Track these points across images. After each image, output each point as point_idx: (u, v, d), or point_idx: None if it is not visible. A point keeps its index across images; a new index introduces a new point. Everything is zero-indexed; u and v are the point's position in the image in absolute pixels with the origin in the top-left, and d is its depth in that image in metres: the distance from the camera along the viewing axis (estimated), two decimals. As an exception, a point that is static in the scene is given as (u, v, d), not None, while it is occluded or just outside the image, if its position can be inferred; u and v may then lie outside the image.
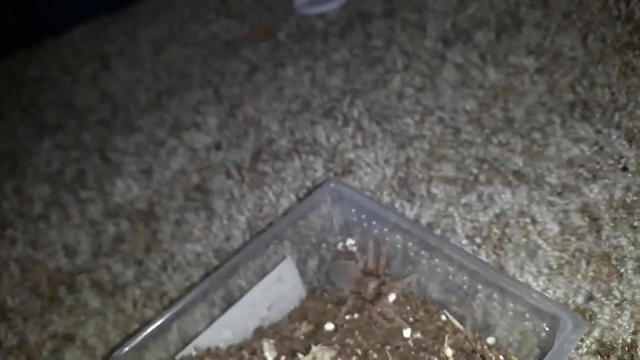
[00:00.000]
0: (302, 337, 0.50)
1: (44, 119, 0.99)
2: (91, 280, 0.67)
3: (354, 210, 0.51)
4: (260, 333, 0.51)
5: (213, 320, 0.51)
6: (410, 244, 0.48)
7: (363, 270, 0.50)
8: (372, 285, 0.48)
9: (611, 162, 0.61)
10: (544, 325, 0.40)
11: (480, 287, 0.44)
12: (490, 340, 0.45)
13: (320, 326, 0.50)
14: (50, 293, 0.68)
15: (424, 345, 0.47)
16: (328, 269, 0.55)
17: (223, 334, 0.49)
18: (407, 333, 0.47)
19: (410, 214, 0.62)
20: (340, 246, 0.55)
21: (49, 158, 0.89)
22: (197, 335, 0.50)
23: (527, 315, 0.41)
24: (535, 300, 0.39)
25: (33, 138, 0.95)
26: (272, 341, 0.49)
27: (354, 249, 0.54)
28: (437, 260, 0.47)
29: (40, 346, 0.62)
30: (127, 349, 0.44)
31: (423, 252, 0.48)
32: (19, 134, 0.98)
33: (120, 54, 1.12)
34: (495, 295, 0.43)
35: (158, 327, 0.46)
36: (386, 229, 0.49)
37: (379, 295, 0.48)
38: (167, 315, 0.47)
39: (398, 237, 0.49)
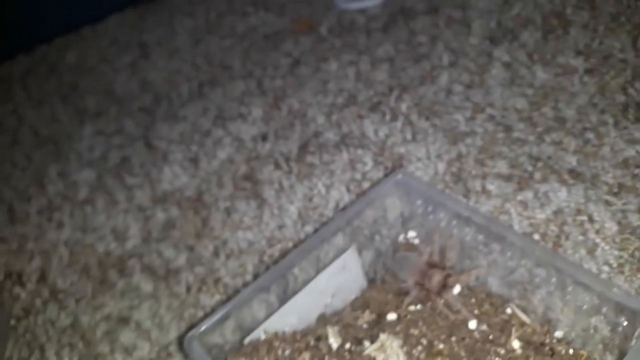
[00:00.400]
0: (365, 326, 0.50)
1: (85, 105, 1.00)
2: (142, 264, 0.68)
3: (419, 202, 0.52)
4: (323, 320, 0.51)
5: (270, 309, 0.51)
6: (480, 236, 0.48)
7: (427, 261, 0.50)
8: (437, 277, 0.49)
9: (667, 163, 0.61)
10: (622, 319, 0.40)
11: (553, 279, 0.44)
12: (558, 334, 0.46)
13: (382, 315, 0.51)
14: (101, 276, 0.69)
15: (490, 337, 0.47)
16: (388, 260, 0.55)
17: (289, 319, 0.49)
18: (472, 325, 0.48)
19: (465, 208, 0.62)
20: (401, 237, 0.55)
21: (91, 143, 0.90)
22: (256, 322, 0.50)
23: (604, 310, 0.41)
24: (615, 294, 0.39)
25: (74, 124, 0.96)
26: (336, 328, 0.50)
27: (415, 240, 0.55)
28: (509, 254, 0.47)
29: (94, 327, 0.63)
30: (202, 328, 0.44)
31: (494, 245, 0.48)
32: (60, 119, 0.99)
33: (159, 44, 1.13)
34: (570, 289, 0.43)
35: (224, 313, 0.47)
36: (455, 221, 0.49)
37: (444, 287, 0.49)
38: (232, 303, 0.47)
39: (466, 229, 0.49)
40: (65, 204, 0.80)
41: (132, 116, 0.94)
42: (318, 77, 0.89)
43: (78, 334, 0.63)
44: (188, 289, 0.63)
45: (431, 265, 0.50)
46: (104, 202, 0.78)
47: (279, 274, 0.49)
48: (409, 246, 0.54)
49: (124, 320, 0.63)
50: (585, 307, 0.43)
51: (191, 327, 0.52)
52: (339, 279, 0.52)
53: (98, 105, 1.00)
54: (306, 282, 0.52)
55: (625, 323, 0.40)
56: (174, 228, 0.71)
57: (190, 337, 0.44)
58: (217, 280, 0.63)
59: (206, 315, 0.54)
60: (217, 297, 0.61)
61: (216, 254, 0.66)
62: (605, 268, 0.54)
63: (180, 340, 0.58)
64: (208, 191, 0.74)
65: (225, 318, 0.47)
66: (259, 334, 0.48)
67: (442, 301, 0.49)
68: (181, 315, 0.61)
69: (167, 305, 0.63)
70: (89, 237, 0.74)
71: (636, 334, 0.38)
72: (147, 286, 0.65)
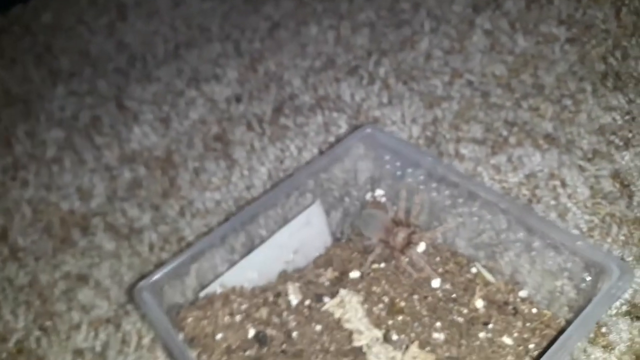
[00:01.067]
0: (327, 283, 0.49)
1: (58, 66, 0.97)
2: (105, 222, 0.66)
3: (387, 157, 0.50)
4: (284, 276, 0.50)
5: (229, 263, 0.50)
6: (449, 192, 0.47)
7: (393, 219, 0.49)
8: (402, 234, 0.47)
9: (644, 131, 0.60)
10: (585, 274, 0.39)
11: (521, 241, 0.43)
12: (523, 293, 0.45)
13: (345, 273, 0.49)
14: (63, 234, 0.67)
15: (453, 296, 0.46)
16: (355, 218, 0.54)
17: (248, 273, 0.48)
18: (435, 283, 0.47)
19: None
20: (368, 196, 0.54)
21: (62, 103, 0.88)
22: (214, 277, 0.49)
23: (569, 266, 0.40)
24: (580, 247, 0.38)
25: (47, 83, 0.93)
26: (296, 284, 0.48)
27: (383, 199, 0.53)
28: (474, 209, 0.46)
29: (52, 285, 0.61)
30: (154, 277, 0.42)
31: (460, 200, 0.46)
32: (32, 79, 0.96)
33: (137, 5, 1.10)
34: (538, 249, 0.42)
35: (179, 264, 0.45)
36: (422, 177, 0.48)
37: (408, 244, 0.47)
38: (189, 253, 0.46)
39: (435, 185, 0.47)
40: (31, 163, 0.78)
41: (106, 77, 0.91)
42: (297, 41, 0.87)
43: (35, 292, 0.61)
44: (151, 248, 0.61)
45: (397, 223, 0.49)
46: (72, 161, 0.76)
47: (237, 225, 0.47)
48: (376, 204, 0.53)
49: (83, 279, 0.61)
50: (551, 268, 0.42)
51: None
52: (302, 235, 0.51)
53: (72, 66, 0.97)
54: (268, 237, 0.50)
55: (589, 279, 0.39)
56: (140, 187, 0.69)
57: (140, 287, 0.42)
58: (180, 239, 0.61)
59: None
60: (180, 256, 0.59)
61: (182, 213, 0.64)
62: (575, 232, 0.52)
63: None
64: (177, 151, 0.72)
65: (179, 269, 0.45)
66: (215, 287, 0.46)
67: (405, 259, 0.47)
68: (142, 274, 0.59)
69: (128, 264, 0.61)
70: (53, 196, 0.72)
71: (599, 287, 0.37)
72: (109, 245, 0.63)
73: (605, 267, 0.36)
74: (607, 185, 0.56)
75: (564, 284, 0.43)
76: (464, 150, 0.62)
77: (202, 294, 0.46)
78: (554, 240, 0.40)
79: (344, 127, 0.70)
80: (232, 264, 0.50)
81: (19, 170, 0.77)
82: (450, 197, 0.49)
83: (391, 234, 0.48)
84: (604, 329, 0.46)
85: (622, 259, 0.49)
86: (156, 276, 0.42)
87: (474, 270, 0.47)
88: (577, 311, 0.42)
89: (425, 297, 0.46)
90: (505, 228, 0.45)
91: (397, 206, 0.49)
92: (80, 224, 0.67)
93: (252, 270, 0.48)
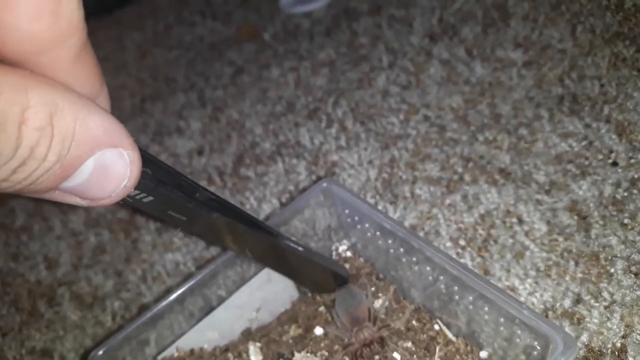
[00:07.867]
0: (290, 341, 0.48)
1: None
2: (71, 292, 0.66)
3: (347, 211, 0.49)
4: (247, 335, 0.49)
5: (189, 325, 0.49)
6: (401, 249, 0.46)
7: (367, 314, 0.47)
8: (366, 334, 0.45)
9: (600, 156, 0.59)
10: (535, 343, 0.37)
11: (471, 298, 0.42)
12: (483, 354, 0.43)
13: (310, 330, 0.48)
14: (30, 307, 0.66)
15: (414, 357, 0.45)
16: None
17: (208, 334, 0.47)
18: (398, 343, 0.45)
19: (394, 216, 0.60)
20: (333, 251, 0.52)
21: (32, 168, 0.88)
22: (172, 340, 0.48)
23: (518, 332, 0.39)
24: (526, 317, 0.37)
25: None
26: (258, 344, 0.47)
27: (347, 253, 0.52)
28: (428, 268, 0.44)
29: (18, 362, 0.61)
30: (107, 345, 0.42)
31: (414, 259, 0.45)
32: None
33: (106, 60, 1.10)
34: (486, 308, 0.41)
35: (132, 330, 0.44)
36: (378, 232, 0.47)
37: (369, 345, 0.45)
38: (141, 319, 0.45)
39: (389, 241, 0.46)
40: (0, 233, 0.78)
41: (75, 136, 0.92)
42: (259, 86, 0.87)
43: (2, 369, 0.61)
44: (113, 317, 0.61)
45: (369, 318, 0.47)
46: (40, 229, 0.76)
47: (195, 288, 0.46)
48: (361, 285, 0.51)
49: (47, 353, 0.60)
50: (502, 328, 0.41)
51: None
52: (264, 293, 0.50)
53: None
54: (227, 297, 0.49)
55: (539, 348, 0.37)
56: (105, 252, 0.69)
57: (93, 356, 0.41)
58: (141, 306, 0.61)
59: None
60: (141, 324, 0.59)
61: (143, 278, 0.64)
62: (532, 272, 0.51)
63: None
64: (140, 212, 0.72)
65: (135, 335, 0.44)
66: (172, 351, 0.46)
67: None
68: (105, 344, 0.59)
69: (92, 335, 0.60)
70: (21, 266, 0.72)
71: (548, 357, 0.35)
72: (73, 316, 0.63)
73: (550, 340, 0.35)
74: (565, 218, 0.55)
75: (518, 352, 0.42)
76: (419, 192, 0.61)
77: (159, 357, 0.45)
78: (503, 309, 0.38)
79: (303, 174, 0.69)
80: (188, 322, 0.49)
81: (-11, 242, 0.77)
82: (406, 250, 0.47)
83: (357, 325, 0.46)
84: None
85: (580, 298, 0.48)
86: (110, 344, 0.42)
87: (436, 327, 0.46)
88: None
89: (386, 357, 0.44)
90: (456, 290, 0.44)
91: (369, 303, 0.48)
92: (47, 295, 0.67)
93: (212, 331, 0.47)
